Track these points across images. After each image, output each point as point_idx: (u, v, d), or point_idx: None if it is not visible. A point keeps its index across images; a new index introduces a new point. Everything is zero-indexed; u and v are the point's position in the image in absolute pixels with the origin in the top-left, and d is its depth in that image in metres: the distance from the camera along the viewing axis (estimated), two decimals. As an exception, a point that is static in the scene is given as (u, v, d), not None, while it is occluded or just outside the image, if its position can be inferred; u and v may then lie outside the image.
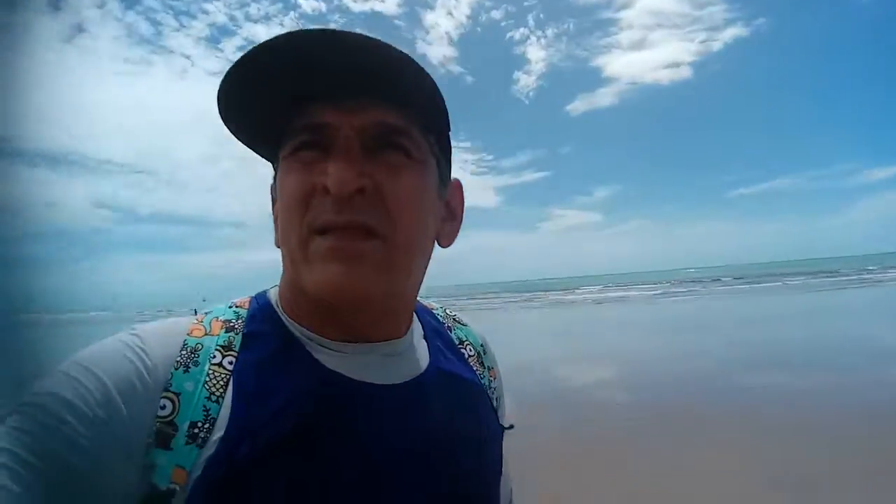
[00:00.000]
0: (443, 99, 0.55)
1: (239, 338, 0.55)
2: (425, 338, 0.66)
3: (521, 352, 9.49)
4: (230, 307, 0.60)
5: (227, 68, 0.49)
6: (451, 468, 0.57)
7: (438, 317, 0.74)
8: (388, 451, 0.53)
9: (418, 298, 0.68)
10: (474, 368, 0.70)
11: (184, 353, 0.52)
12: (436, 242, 0.62)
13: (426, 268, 0.61)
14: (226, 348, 0.54)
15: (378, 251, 0.52)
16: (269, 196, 0.63)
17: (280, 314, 0.59)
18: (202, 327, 0.55)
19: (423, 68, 0.51)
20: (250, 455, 0.47)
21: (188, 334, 0.54)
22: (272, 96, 0.52)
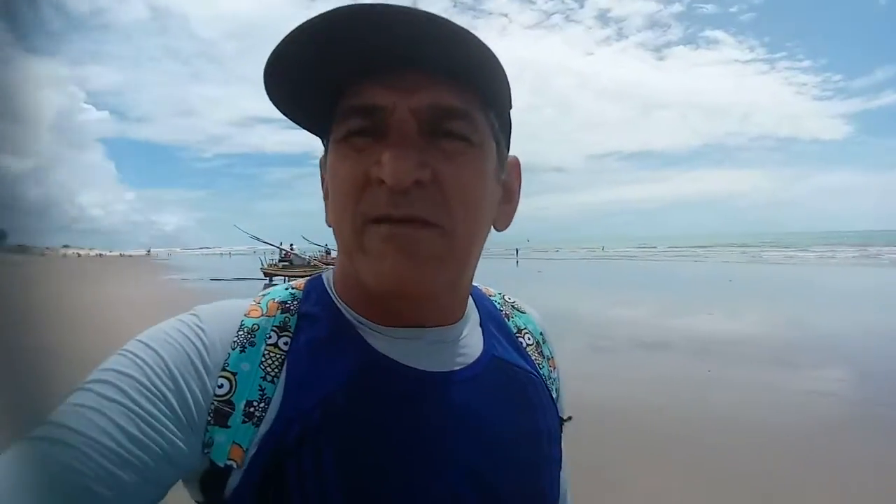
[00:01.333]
0: (505, 74, 0.51)
1: (294, 318, 0.56)
2: (481, 324, 0.64)
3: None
4: (286, 289, 0.60)
5: (276, 45, 0.46)
6: (504, 458, 0.56)
7: (496, 303, 0.70)
8: (439, 434, 0.53)
9: (476, 284, 0.68)
10: (532, 358, 0.66)
11: (241, 333, 0.53)
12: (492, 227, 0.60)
13: (481, 254, 0.58)
14: (281, 329, 0.54)
15: (436, 242, 0.49)
16: (322, 170, 0.60)
17: (333, 297, 0.58)
18: (259, 308, 0.56)
19: (482, 41, 0.47)
20: (301, 435, 0.48)
21: (246, 315, 0.55)
22: (320, 75, 0.49)
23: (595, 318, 10.95)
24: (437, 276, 0.50)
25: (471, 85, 0.50)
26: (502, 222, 0.61)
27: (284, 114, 0.52)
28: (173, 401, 0.46)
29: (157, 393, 0.45)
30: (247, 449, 0.47)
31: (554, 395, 0.67)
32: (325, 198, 0.58)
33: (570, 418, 0.69)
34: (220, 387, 0.49)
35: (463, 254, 0.53)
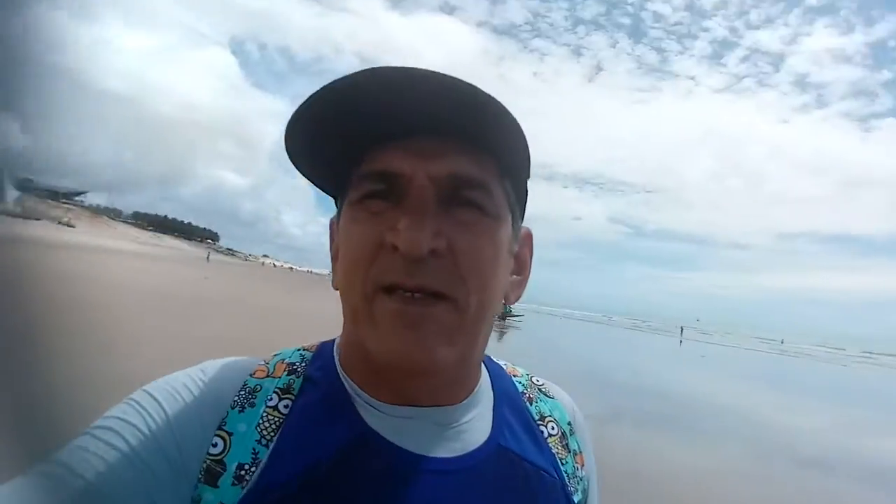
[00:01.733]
0: (526, 143, 0.51)
1: (299, 381, 0.55)
2: (494, 408, 0.59)
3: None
4: (298, 350, 0.60)
5: (302, 103, 0.47)
6: None
7: (519, 384, 0.65)
8: None
9: (504, 363, 0.67)
10: (554, 451, 0.60)
11: (242, 392, 0.52)
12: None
13: (491, 330, 0.57)
14: (284, 391, 0.54)
15: (448, 316, 0.49)
16: (329, 231, 0.61)
17: (336, 363, 0.57)
18: (266, 369, 0.56)
19: (507, 110, 0.47)
20: (277, 502, 0.47)
21: (251, 374, 0.55)
22: (342, 136, 0.50)
23: (754, 420, 9.65)
24: (447, 352, 0.49)
25: (490, 154, 0.50)
26: (513, 295, 0.59)
27: (300, 170, 0.53)
28: (170, 452, 0.46)
29: (156, 444, 0.46)
30: None
31: (575, 499, 0.59)
32: (334, 260, 0.57)
33: None
34: (215, 445, 0.49)
35: (473, 329, 0.51)
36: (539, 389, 0.66)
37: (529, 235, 0.62)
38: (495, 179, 0.51)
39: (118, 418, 0.47)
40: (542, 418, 0.63)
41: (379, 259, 0.48)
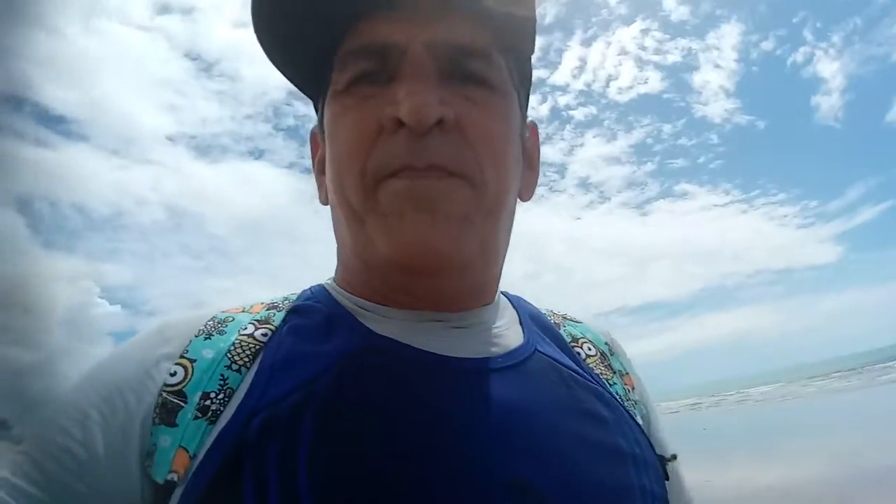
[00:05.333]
0: (534, 14, 0.43)
1: (281, 314, 0.44)
2: (521, 324, 0.49)
3: None
4: (283, 295, 0.49)
5: None
6: (566, 471, 0.39)
7: (543, 313, 0.55)
8: (468, 431, 0.38)
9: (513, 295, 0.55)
10: (597, 372, 0.49)
11: (210, 323, 0.43)
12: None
13: (511, 230, 0.47)
14: (262, 322, 0.43)
15: (464, 195, 0.40)
16: (312, 145, 0.51)
17: (332, 291, 0.47)
18: (241, 307, 0.46)
19: None
20: (267, 424, 0.35)
21: (222, 311, 0.45)
22: (317, 13, 0.41)
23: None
24: (466, 239, 0.41)
25: (495, 21, 0.42)
26: (527, 191, 0.50)
27: (276, 66, 0.45)
28: (112, 402, 0.37)
29: (97, 399, 0.37)
30: (194, 455, 0.35)
31: (639, 420, 0.48)
32: (320, 173, 0.48)
33: (674, 457, 0.49)
34: (173, 374, 0.38)
35: (494, 211, 0.43)
36: (563, 317, 0.56)
37: (536, 129, 0.53)
38: (496, 50, 0.43)
39: (79, 376, 0.39)
40: (575, 340, 0.53)
41: (378, 146, 0.40)
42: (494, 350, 0.44)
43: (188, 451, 0.35)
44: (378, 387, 0.38)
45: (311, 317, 0.44)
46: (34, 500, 0.33)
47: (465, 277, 0.44)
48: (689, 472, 0.53)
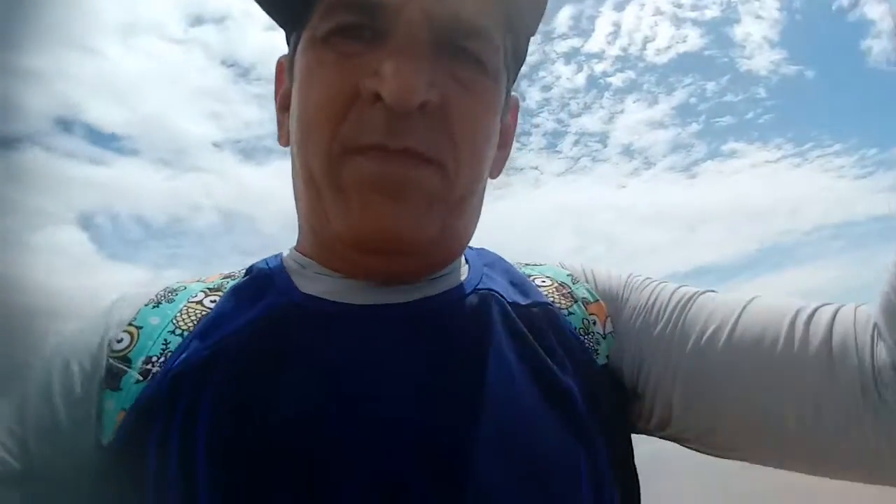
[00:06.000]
0: None
1: (234, 282, 0.43)
2: (468, 262, 0.47)
3: None
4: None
5: None
6: (488, 422, 0.36)
7: (501, 259, 0.50)
8: (375, 380, 0.36)
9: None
10: (549, 298, 0.45)
11: (161, 293, 0.42)
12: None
13: (480, 210, 0.45)
14: (213, 290, 0.42)
15: (433, 183, 0.37)
16: (278, 75, 0.46)
17: (287, 254, 0.46)
18: (198, 278, 0.45)
19: None
20: (175, 384, 0.35)
21: (178, 282, 0.44)
22: None
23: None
24: (428, 224, 0.38)
25: None
26: (496, 170, 0.47)
27: None
28: (64, 372, 0.37)
29: (49, 368, 0.37)
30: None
31: (597, 360, 0.43)
32: (282, 110, 0.44)
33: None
34: (120, 341, 0.38)
35: (461, 199, 0.40)
36: (525, 263, 0.51)
37: (517, 105, 0.49)
38: (500, 30, 0.40)
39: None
40: (528, 277, 0.48)
41: (352, 114, 0.37)
42: (423, 294, 0.41)
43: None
44: (287, 341, 0.37)
45: (253, 280, 0.42)
46: (7, 467, 0.34)
47: (422, 258, 0.41)
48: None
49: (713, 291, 0.45)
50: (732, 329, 0.40)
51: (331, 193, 0.37)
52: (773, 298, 0.42)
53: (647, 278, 0.48)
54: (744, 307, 0.41)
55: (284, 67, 0.44)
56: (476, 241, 0.48)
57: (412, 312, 0.40)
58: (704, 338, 0.40)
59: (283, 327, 0.38)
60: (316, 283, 0.41)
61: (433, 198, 0.38)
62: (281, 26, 0.44)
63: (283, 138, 0.44)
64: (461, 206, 0.41)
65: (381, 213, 0.36)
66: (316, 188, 0.39)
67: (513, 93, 0.47)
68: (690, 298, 0.43)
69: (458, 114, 0.38)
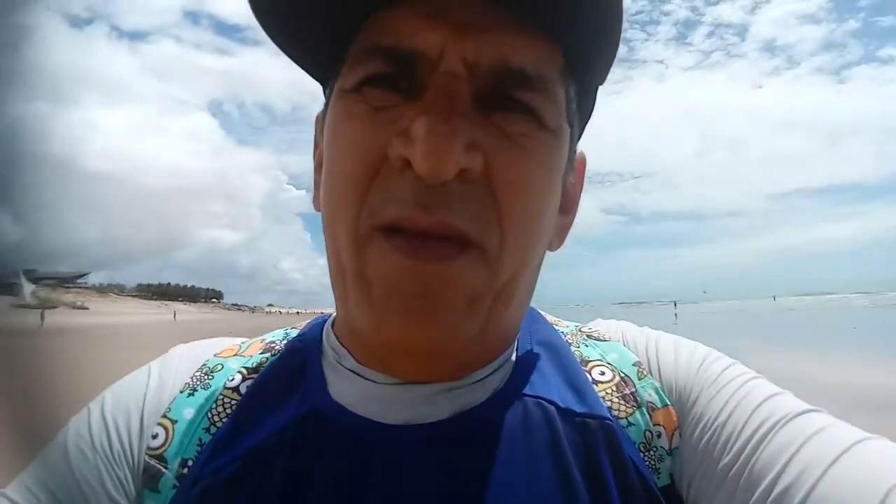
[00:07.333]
0: (618, 29, 0.32)
1: (273, 358, 0.42)
2: (517, 354, 0.40)
3: None
4: (284, 329, 0.46)
5: None
6: None
7: (561, 333, 0.45)
8: None
9: (543, 312, 0.47)
10: (607, 404, 0.38)
11: (198, 374, 0.41)
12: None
13: (534, 287, 0.39)
14: (251, 371, 0.41)
15: (474, 273, 0.32)
16: (317, 132, 0.41)
17: (325, 330, 0.43)
18: (236, 347, 0.44)
19: None
20: (199, 499, 0.35)
21: (215, 354, 0.43)
22: None
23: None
24: (467, 326, 0.33)
25: (559, 39, 0.32)
26: (557, 240, 0.42)
27: (272, 38, 0.34)
28: (104, 461, 0.36)
29: (91, 452, 0.37)
30: None
31: (658, 481, 0.36)
32: (317, 170, 0.40)
33: None
34: (155, 437, 0.37)
35: (507, 292, 0.34)
36: (587, 335, 0.44)
37: (584, 162, 0.43)
38: (559, 78, 0.34)
39: (71, 426, 0.39)
40: (586, 363, 0.41)
41: (378, 180, 0.32)
42: (461, 406, 0.36)
43: None
44: (310, 460, 0.35)
45: (286, 367, 0.40)
46: None
47: (460, 360, 0.37)
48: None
49: (818, 412, 0.34)
50: (810, 491, 0.29)
51: (354, 283, 0.33)
52: (887, 445, 0.31)
53: (726, 368, 0.38)
54: (837, 458, 0.30)
55: (321, 124, 0.40)
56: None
57: (444, 433, 0.35)
58: (774, 494, 0.30)
59: (307, 442, 0.36)
60: (347, 384, 0.38)
61: (472, 293, 0.32)
62: (314, 77, 0.39)
63: (317, 202, 0.38)
64: (508, 295, 0.35)
65: (410, 315, 0.31)
66: (342, 270, 0.34)
67: (579, 150, 0.42)
68: (775, 424, 0.33)
69: (506, 178, 0.32)
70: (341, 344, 0.40)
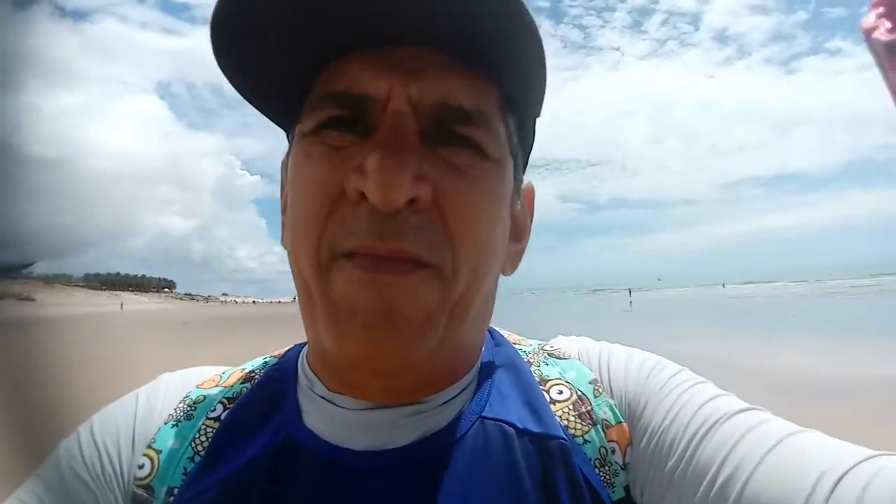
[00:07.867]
0: (545, 66, 0.36)
1: (250, 387, 0.44)
2: (479, 376, 0.43)
3: None
4: (264, 357, 0.48)
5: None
6: None
7: (522, 353, 0.47)
8: None
9: (506, 333, 0.49)
10: (563, 423, 0.40)
11: (181, 405, 0.43)
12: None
13: (491, 309, 0.43)
14: (231, 400, 0.43)
15: (430, 289, 0.35)
16: (283, 176, 0.44)
17: (299, 359, 0.45)
18: (217, 377, 0.46)
19: (527, 14, 0.32)
20: None
21: (198, 385, 0.45)
22: (287, 44, 0.34)
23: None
24: (426, 339, 0.35)
25: (494, 77, 0.36)
26: (510, 266, 0.44)
27: (234, 86, 0.37)
28: (95, 489, 0.38)
29: (82, 479, 0.38)
30: None
31: (612, 495, 0.38)
32: (284, 212, 0.42)
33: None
34: (141, 467, 0.39)
35: (463, 306, 0.37)
36: (548, 353, 0.47)
37: (532, 192, 0.46)
38: (498, 112, 0.37)
39: (63, 450, 0.40)
40: (544, 381, 0.43)
41: (338, 213, 0.35)
42: (423, 434, 0.38)
43: None
44: (282, 490, 0.37)
45: (265, 392, 0.43)
46: None
47: (422, 376, 0.39)
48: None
49: (756, 410, 0.37)
50: (746, 482, 0.32)
51: (322, 304, 0.35)
52: (817, 437, 0.34)
53: (673, 375, 0.41)
54: (770, 449, 0.33)
55: (286, 167, 0.42)
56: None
57: (409, 458, 0.37)
58: (715, 487, 0.33)
59: (280, 473, 0.38)
60: (319, 412, 0.40)
61: (429, 307, 0.35)
62: (277, 124, 0.42)
63: (286, 240, 0.40)
64: (464, 313, 0.37)
65: (371, 328, 0.33)
66: (309, 296, 0.37)
67: (526, 180, 0.45)
68: (715, 423, 0.36)
69: (453, 206, 0.35)
70: (313, 372, 0.42)
